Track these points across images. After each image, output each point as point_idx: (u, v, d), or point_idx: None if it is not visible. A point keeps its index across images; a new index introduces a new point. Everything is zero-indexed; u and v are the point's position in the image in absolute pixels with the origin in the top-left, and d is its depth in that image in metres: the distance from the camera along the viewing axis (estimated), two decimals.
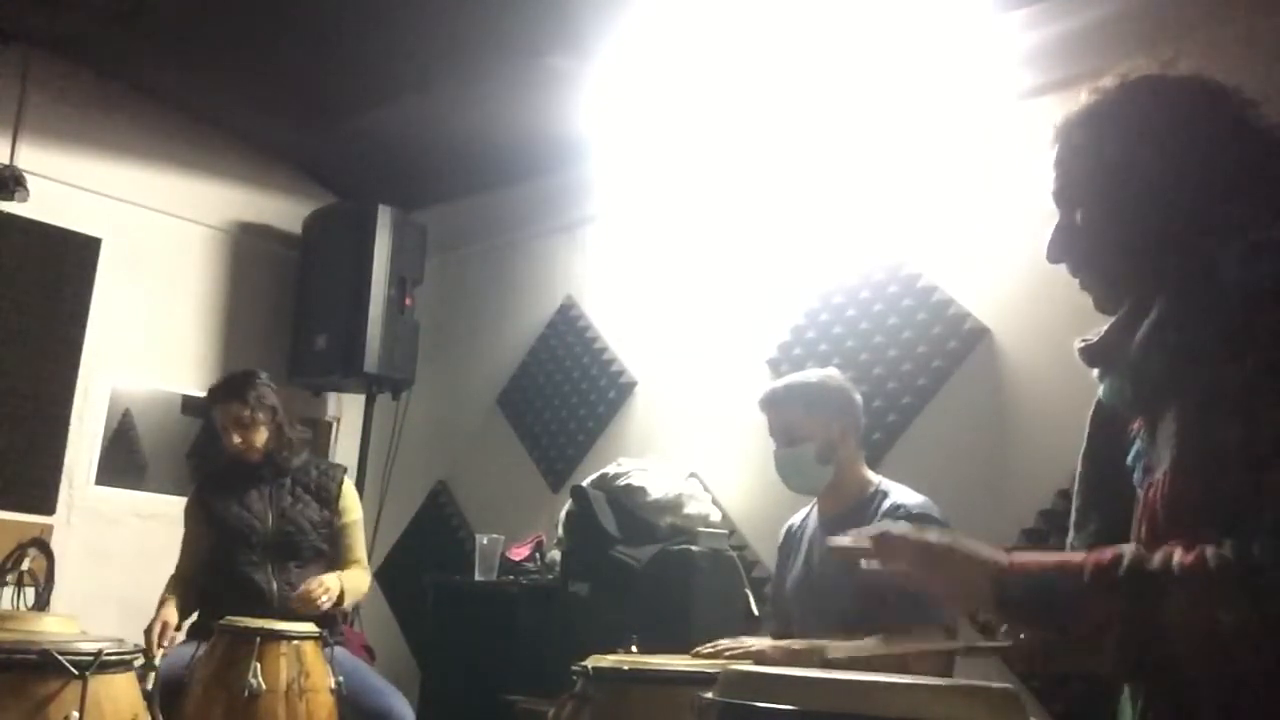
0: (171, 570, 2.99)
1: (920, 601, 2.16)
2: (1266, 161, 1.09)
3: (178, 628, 2.72)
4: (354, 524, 3.06)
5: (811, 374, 2.49)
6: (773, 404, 2.42)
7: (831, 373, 2.49)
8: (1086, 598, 0.97)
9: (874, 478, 2.41)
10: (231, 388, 3.01)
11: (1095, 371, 1.19)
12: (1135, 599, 0.95)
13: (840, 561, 2.27)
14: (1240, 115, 1.12)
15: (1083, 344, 1.19)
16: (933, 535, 1.11)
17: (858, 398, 2.45)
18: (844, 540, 1.17)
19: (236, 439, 2.95)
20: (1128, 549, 0.98)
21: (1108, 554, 0.99)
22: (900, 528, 1.14)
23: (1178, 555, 0.94)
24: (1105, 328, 1.17)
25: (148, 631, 2.65)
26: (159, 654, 2.58)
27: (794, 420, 2.37)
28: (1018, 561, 1.04)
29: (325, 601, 2.73)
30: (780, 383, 2.49)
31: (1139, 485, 1.11)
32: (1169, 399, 1.05)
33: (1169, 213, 1.10)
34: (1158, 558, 0.96)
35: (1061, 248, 1.22)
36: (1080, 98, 1.20)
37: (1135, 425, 1.15)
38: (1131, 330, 1.10)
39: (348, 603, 2.87)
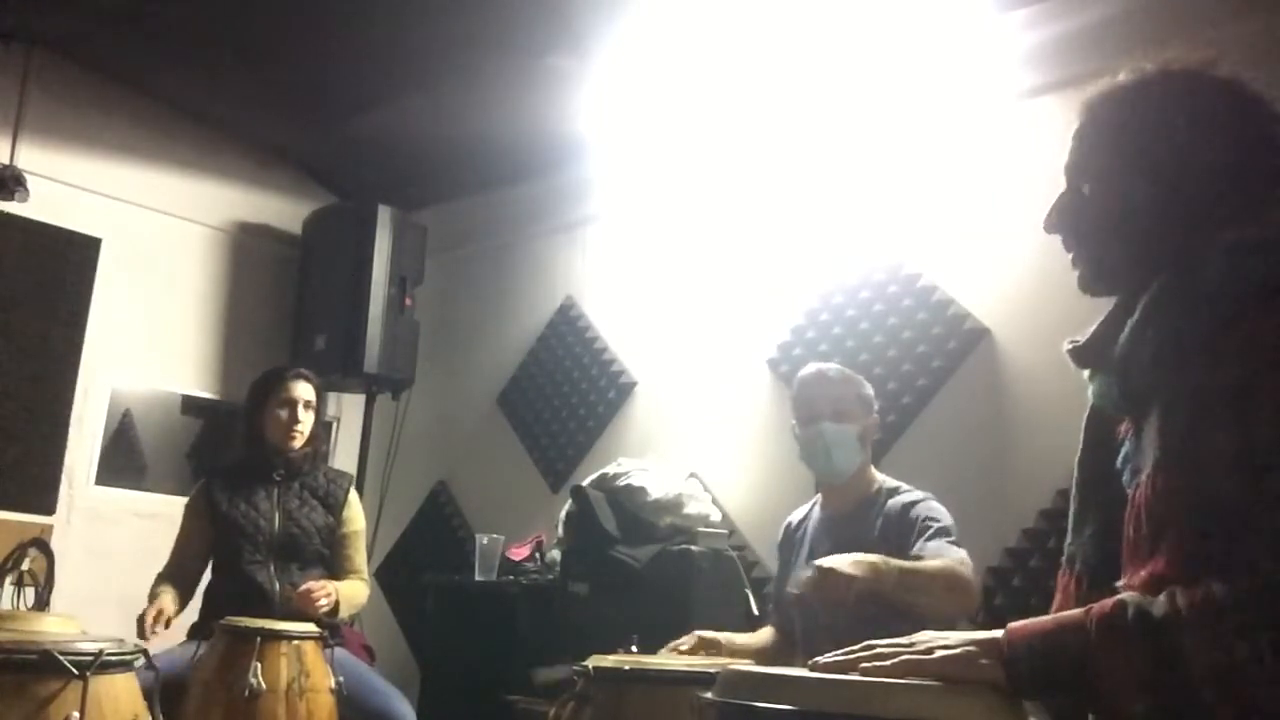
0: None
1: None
2: (1268, 165, 1.09)
3: (168, 623, 2.70)
4: (356, 534, 3.05)
5: (844, 369, 2.54)
6: (824, 380, 2.43)
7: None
8: (1098, 654, 0.94)
9: (879, 477, 2.42)
10: (302, 371, 3.05)
11: (1085, 372, 1.19)
12: (1153, 649, 0.91)
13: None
14: (1263, 124, 1.11)
15: (1071, 344, 1.19)
16: (921, 638, 1.04)
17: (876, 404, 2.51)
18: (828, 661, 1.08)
19: (298, 421, 2.95)
20: (1129, 597, 0.96)
21: (1108, 604, 0.96)
22: (879, 650, 1.05)
23: (1180, 596, 0.92)
24: (1093, 327, 1.16)
25: (141, 617, 2.61)
26: (152, 637, 2.54)
27: (845, 400, 2.40)
28: (1015, 629, 1.00)
29: (324, 604, 2.72)
30: (829, 365, 2.52)
31: (1128, 487, 1.10)
32: (1154, 399, 1.04)
33: (1170, 205, 1.10)
34: (1161, 601, 0.93)
35: (1061, 218, 1.21)
36: (1117, 76, 1.19)
37: (1124, 427, 1.14)
38: (1118, 328, 1.09)
39: (343, 613, 2.86)
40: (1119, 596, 0.97)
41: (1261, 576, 0.89)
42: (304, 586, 2.75)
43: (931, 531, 2.19)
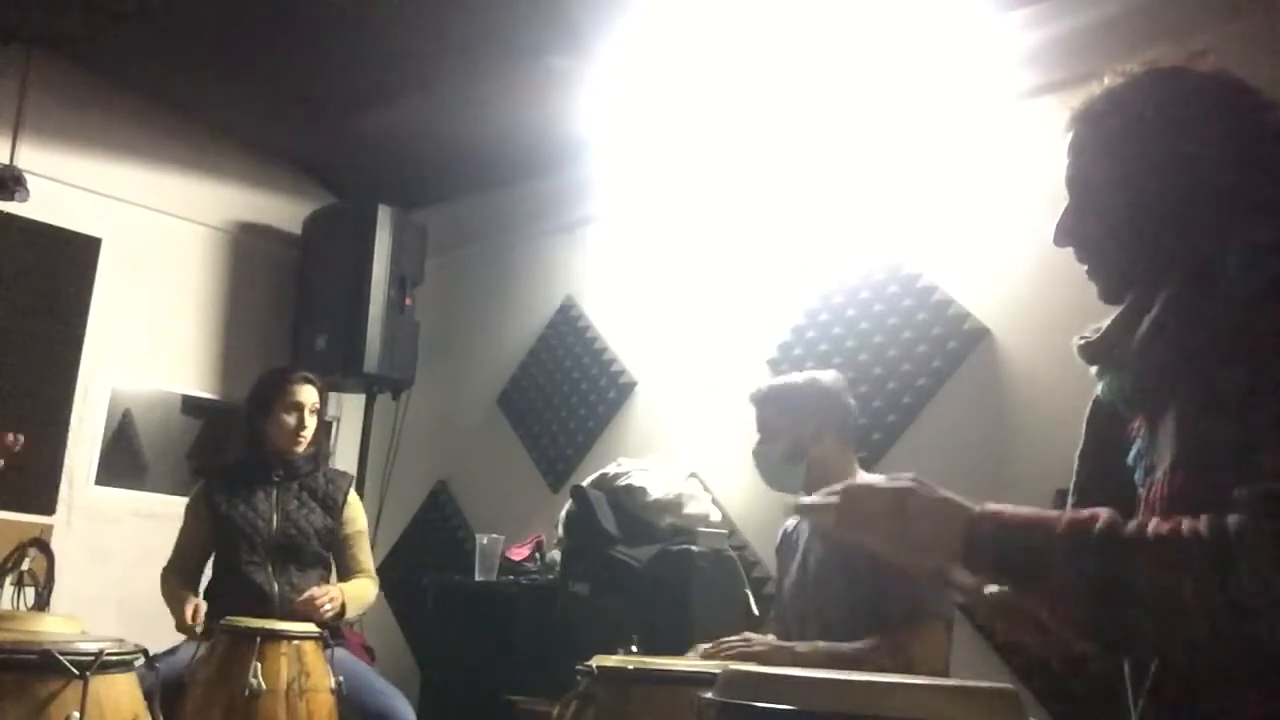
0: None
1: (918, 598, 2.17)
2: (1275, 165, 1.09)
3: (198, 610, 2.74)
4: (359, 534, 3.06)
5: (798, 375, 2.52)
6: (754, 402, 2.49)
7: (818, 375, 2.48)
8: (1055, 554, 0.95)
9: (864, 476, 2.41)
10: (308, 375, 3.06)
11: (1093, 369, 1.19)
12: (1104, 560, 0.92)
13: (835, 562, 2.28)
14: (1259, 116, 1.11)
15: (1082, 341, 1.19)
16: (902, 480, 1.07)
17: (846, 400, 2.43)
18: (812, 499, 1.11)
19: (305, 426, 2.97)
20: (1105, 511, 0.96)
21: (1085, 513, 0.97)
22: (870, 478, 1.10)
23: (1153, 523, 0.93)
24: (1105, 324, 1.16)
25: (180, 614, 2.66)
26: (199, 628, 2.61)
27: (767, 419, 2.43)
28: (991, 510, 1.02)
29: (329, 610, 2.73)
30: (767, 382, 2.55)
31: (1140, 484, 1.10)
32: (1170, 397, 1.04)
33: (1180, 205, 1.10)
34: (1134, 524, 0.94)
35: (1069, 233, 1.21)
36: (1104, 81, 1.19)
37: (1135, 424, 1.14)
38: (1133, 327, 1.09)
39: (351, 613, 2.87)
40: (1098, 510, 0.97)
41: (1228, 527, 0.89)
42: (307, 594, 2.75)
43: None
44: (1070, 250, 1.22)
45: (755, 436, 2.46)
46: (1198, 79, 1.15)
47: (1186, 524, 0.91)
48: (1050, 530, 0.97)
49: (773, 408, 2.43)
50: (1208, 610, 0.87)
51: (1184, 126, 1.12)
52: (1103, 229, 1.17)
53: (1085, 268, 1.21)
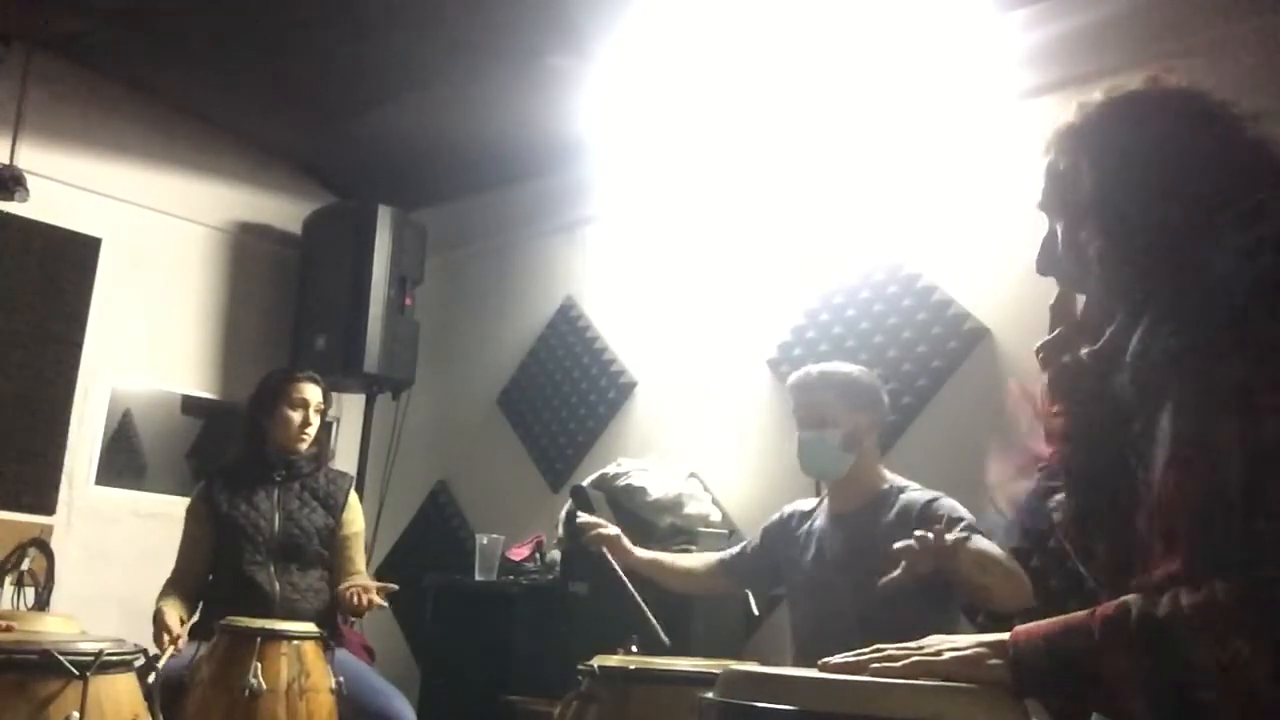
0: (169, 572, 2.94)
1: (931, 602, 2.16)
2: (1254, 170, 1.09)
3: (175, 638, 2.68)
4: (356, 536, 3.06)
5: (846, 365, 2.52)
6: (804, 387, 2.43)
7: (865, 370, 2.51)
8: (1101, 656, 0.95)
9: (889, 476, 2.40)
10: (313, 374, 3.09)
11: (1086, 381, 1.19)
12: (1152, 649, 0.92)
13: (849, 563, 2.27)
14: (1230, 126, 1.12)
15: (1086, 354, 1.20)
16: (930, 641, 1.06)
17: (885, 398, 2.46)
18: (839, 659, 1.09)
19: (310, 424, 2.99)
20: (1133, 599, 0.97)
21: (1112, 607, 0.97)
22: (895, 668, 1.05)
23: (1185, 596, 0.93)
24: (1104, 338, 1.17)
25: (156, 640, 2.58)
26: (167, 655, 2.51)
27: (824, 405, 2.38)
28: (1022, 631, 1.01)
29: (379, 604, 2.73)
30: (814, 368, 2.49)
31: (1138, 485, 1.10)
32: (1165, 397, 1.04)
33: (1147, 228, 1.11)
34: (1165, 602, 0.94)
35: (1047, 260, 1.24)
36: (1068, 111, 1.21)
37: (1135, 425, 1.15)
38: (1128, 334, 1.10)
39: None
40: (1123, 598, 0.98)
41: (1262, 575, 0.89)
42: (361, 583, 2.78)
43: (967, 527, 2.16)
44: None
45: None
46: (1157, 101, 1.16)
47: (1220, 588, 0.91)
48: (1087, 631, 0.97)
49: (830, 393, 2.38)
50: (1272, 668, 0.87)
51: (1158, 143, 1.13)
52: (1068, 255, 1.18)
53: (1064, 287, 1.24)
